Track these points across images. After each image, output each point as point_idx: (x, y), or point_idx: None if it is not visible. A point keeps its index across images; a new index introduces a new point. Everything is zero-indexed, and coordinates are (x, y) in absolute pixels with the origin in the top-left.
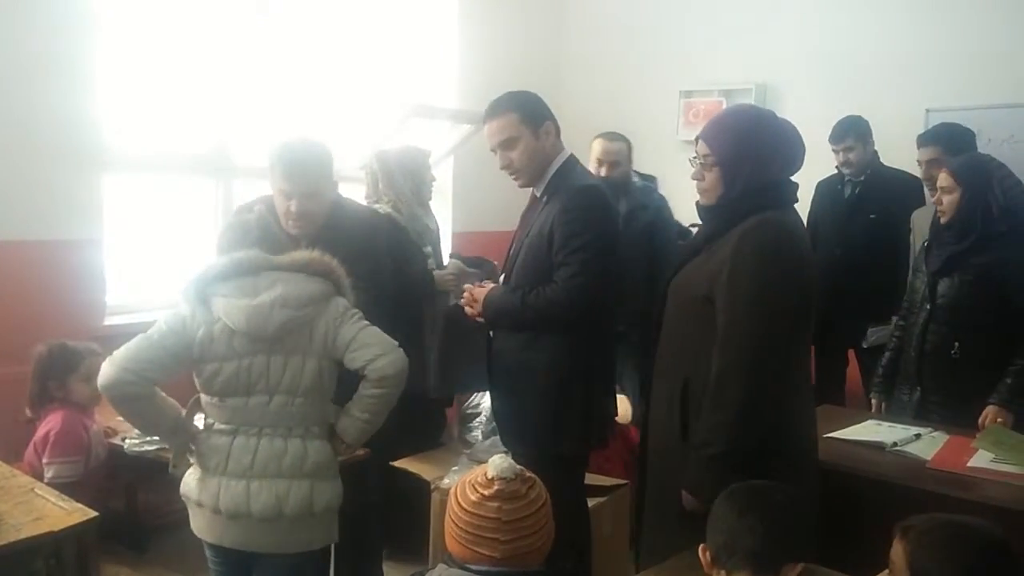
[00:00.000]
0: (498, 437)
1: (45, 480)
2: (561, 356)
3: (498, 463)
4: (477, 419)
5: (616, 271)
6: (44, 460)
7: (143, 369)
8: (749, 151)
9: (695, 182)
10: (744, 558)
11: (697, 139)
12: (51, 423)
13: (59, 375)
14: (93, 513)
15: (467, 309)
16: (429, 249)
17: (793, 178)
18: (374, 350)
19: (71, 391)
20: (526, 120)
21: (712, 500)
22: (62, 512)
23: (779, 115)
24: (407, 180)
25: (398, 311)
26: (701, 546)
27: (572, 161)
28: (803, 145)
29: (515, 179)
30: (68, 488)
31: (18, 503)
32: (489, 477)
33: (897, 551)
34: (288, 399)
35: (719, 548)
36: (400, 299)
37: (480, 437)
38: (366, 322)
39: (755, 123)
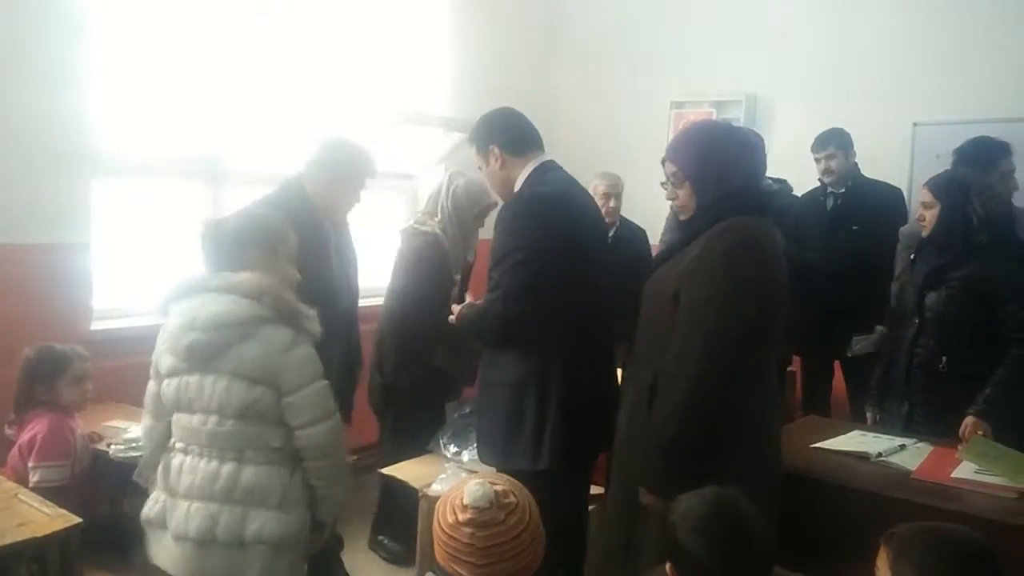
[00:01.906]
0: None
1: (30, 484)
2: (514, 372)
3: (473, 490)
4: (466, 425)
5: (570, 282)
6: (30, 464)
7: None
8: (713, 161)
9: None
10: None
11: (663, 161)
12: (37, 427)
13: (46, 378)
14: (77, 519)
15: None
16: (458, 277)
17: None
18: (305, 417)
19: (59, 394)
20: (478, 150)
21: (664, 493)
22: (46, 518)
23: (769, 127)
24: (454, 211)
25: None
26: (668, 565)
27: (541, 169)
28: (764, 151)
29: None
30: (53, 493)
31: (2, 509)
32: (464, 504)
33: (881, 559)
34: (220, 420)
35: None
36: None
37: (458, 446)
38: (311, 375)
39: (714, 134)
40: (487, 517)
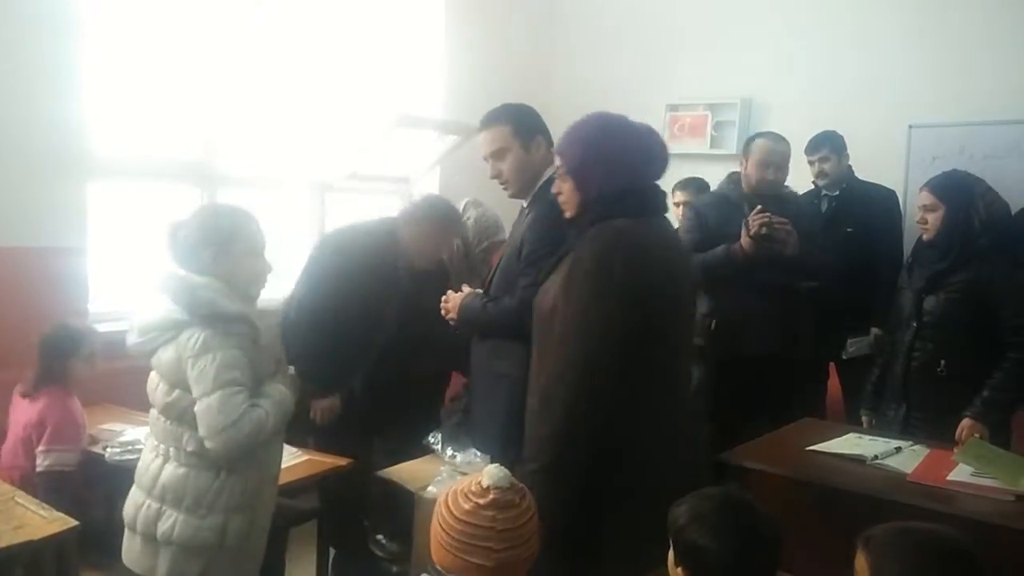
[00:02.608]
0: (474, 448)
1: (40, 469)
2: (520, 366)
3: (494, 472)
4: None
5: None
6: (41, 448)
7: None
8: (596, 157)
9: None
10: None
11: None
12: (47, 412)
13: (63, 355)
14: (73, 522)
15: (445, 314)
16: None
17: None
18: (201, 425)
19: (72, 370)
20: (517, 133)
21: (541, 517)
22: (42, 521)
23: (764, 128)
24: (462, 243)
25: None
26: (679, 569)
27: None
28: (662, 149)
29: (504, 189)
30: (62, 479)
31: None
32: (484, 486)
33: (860, 562)
34: (156, 414)
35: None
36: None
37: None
38: (213, 384)
39: (600, 129)
40: (508, 498)
